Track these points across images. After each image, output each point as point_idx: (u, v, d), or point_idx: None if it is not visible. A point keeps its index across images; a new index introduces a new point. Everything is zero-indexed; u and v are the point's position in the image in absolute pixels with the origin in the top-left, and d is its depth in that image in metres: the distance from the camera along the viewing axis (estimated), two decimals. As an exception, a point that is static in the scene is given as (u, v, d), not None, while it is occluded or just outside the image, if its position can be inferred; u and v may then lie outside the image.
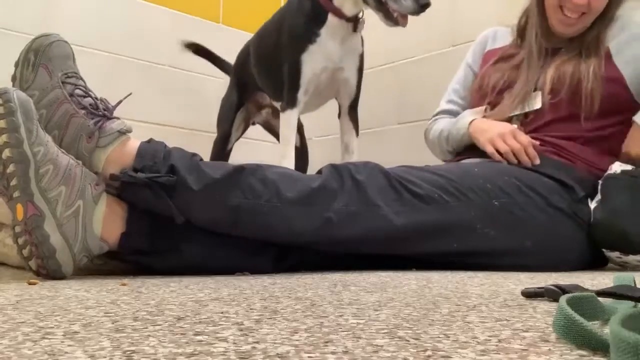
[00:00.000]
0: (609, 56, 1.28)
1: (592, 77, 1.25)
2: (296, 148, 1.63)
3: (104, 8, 2.10)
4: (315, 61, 1.51)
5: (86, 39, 2.04)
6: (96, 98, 0.92)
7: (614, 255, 1.17)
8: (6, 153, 0.80)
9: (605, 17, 1.32)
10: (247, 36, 2.02)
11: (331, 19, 1.50)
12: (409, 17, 1.44)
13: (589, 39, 1.31)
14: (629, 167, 1.17)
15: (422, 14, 1.44)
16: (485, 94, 1.40)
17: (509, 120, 1.33)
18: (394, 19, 1.44)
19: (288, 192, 0.94)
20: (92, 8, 2.07)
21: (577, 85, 1.25)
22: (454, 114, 1.51)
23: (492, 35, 1.53)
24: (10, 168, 0.80)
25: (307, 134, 1.94)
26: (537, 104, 1.30)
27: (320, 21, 1.51)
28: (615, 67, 1.27)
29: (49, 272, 0.82)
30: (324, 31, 1.51)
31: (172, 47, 2.15)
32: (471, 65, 1.54)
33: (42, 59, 0.91)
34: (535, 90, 1.31)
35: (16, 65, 0.93)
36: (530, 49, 1.37)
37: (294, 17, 1.56)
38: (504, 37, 1.48)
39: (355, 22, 1.54)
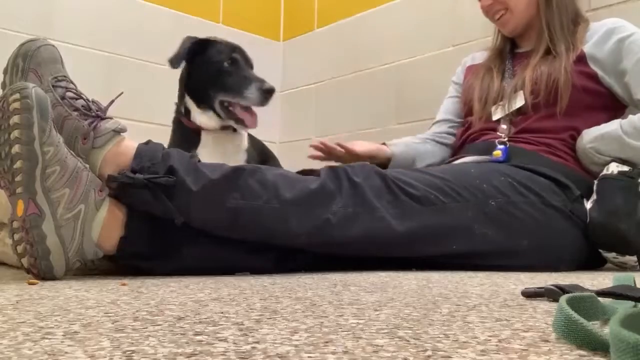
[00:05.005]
0: (583, 57, 1.31)
1: (563, 72, 1.29)
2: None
3: (104, 8, 2.10)
4: None
5: (86, 39, 2.04)
6: (88, 100, 0.92)
7: (611, 255, 1.17)
8: (16, 149, 0.80)
9: (552, 9, 1.37)
10: (247, 36, 2.02)
11: (204, 135, 1.48)
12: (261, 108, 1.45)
13: (557, 37, 1.36)
14: (625, 168, 1.18)
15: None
16: (471, 108, 1.45)
17: (497, 122, 1.35)
18: (242, 122, 1.44)
19: (287, 193, 0.94)
20: (92, 8, 2.07)
21: (554, 83, 1.29)
22: (444, 123, 1.60)
23: (471, 57, 1.62)
24: (18, 164, 0.80)
25: (306, 134, 1.92)
26: (519, 102, 1.34)
27: (195, 141, 1.48)
28: (589, 66, 1.31)
29: (40, 272, 0.81)
30: (200, 150, 1.48)
31: (172, 47, 2.15)
32: (455, 81, 1.62)
33: (31, 63, 0.91)
34: (516, 91, 1.35)
35: (5, 72, 0.93)
36: (495, 54, 1.48)
37: (172, 140, 1.55)
38: (482, 56, 1.55)
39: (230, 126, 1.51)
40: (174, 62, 1.47)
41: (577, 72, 1.29)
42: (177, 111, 1.54)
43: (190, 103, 1.48)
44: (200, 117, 1.48)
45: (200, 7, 2.38)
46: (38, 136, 0.80)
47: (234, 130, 1.52)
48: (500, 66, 1.44)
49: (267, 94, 1.42)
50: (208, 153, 1.47)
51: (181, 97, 1.52)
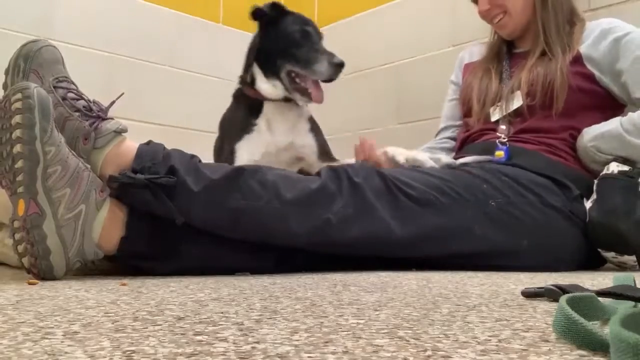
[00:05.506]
0: (579, 57, 1.31)
1: (559, 73, 1.29)
2: None
3: (105, 8, 2.10)
4: (252, 148, 1.46)
5: (86, 39, 2.04)
6: (89, 100, 0.92)
7: (610, 255, 1.17)
8: (17, 148, 0.80)
9: (548, 10, 1.37)
10: (247, 36, 2.02)
11: (267, 105, 1.48)
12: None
13: (553, 39, 1.36)
14: (626, 168, 1.18)
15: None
16: (470, 108, 1.45)
17: (496, 123, 1.35)
18: (308, 94, 1.42)
19: (287, 193, 0.94)
20: (93, 8, 2.07)
21: (550, 84, 1.29)
22: (445, 130, 1.60)
23: (468, 53, 1.62)
24: (19, 164, 0.80)
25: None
26: (517, 103, 1.34)
27: (257, 111, 1.48)
28: (585, 67, 1.31)
29: (40, 272, 0.81)
30: (261, 120, 1.47)
31: (172, 47, 2.16)
32: (454, 81, 1.62)
33: (32, 64, 0.91)
34: (513, 92, 1.35)
35: (6, 72, 0.93)
36: (493, 53, 1.48)
37: (231, 111, 1.55)
38: (481, 52, 1.55)
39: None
40: (254, 15, 1.48)
41: (573, 73, 1.29)
42: (242, 82, 1.54)
43: (257, 71, 1.48)
44: (265, 86, 1.47)
45: (200, 7, 2.38)
46: (39, 136, 0.80)
47: (296, 104, 1.51)
48: (497, 67, 1.44)
49: (337, 67, 1.40)
50: (269, 122, 1.47)
51: (248, 66, 1.51)
